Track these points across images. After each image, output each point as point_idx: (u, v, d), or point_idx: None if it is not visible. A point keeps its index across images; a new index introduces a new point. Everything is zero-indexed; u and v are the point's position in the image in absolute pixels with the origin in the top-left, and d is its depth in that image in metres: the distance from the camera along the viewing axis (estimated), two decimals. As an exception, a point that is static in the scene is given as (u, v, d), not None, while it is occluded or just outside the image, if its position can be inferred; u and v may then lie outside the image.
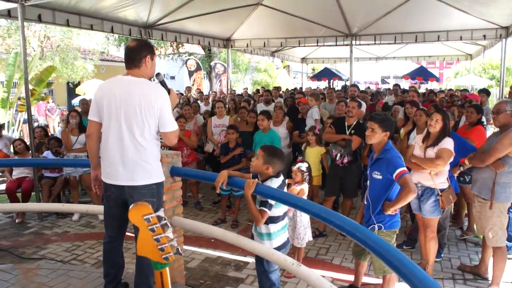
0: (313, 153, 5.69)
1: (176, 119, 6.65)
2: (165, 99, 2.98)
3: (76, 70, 19.46)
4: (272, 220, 3.10)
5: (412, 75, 20.11)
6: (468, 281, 4.31)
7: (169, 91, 3.15)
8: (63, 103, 21.61)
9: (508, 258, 4.34)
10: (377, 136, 3.50)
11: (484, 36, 9.52)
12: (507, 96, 9.41)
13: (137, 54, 2.99)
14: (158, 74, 3.19)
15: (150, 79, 3.10)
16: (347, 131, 5.46)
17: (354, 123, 5.46)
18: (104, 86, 3.07)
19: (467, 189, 5.02)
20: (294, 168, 4.46)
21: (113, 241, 3.27)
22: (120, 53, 24.15)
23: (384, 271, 3.51)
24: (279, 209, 3.10)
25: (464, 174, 5.09)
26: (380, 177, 3.49)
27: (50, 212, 6.43)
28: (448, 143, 4.11)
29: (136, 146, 2.95)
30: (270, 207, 3.02)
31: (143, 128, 2.94)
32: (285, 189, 3.28)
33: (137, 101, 2.89)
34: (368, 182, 3.66)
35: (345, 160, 5.32)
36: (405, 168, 3.38)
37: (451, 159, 4.15)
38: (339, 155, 5.32)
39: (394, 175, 3.35)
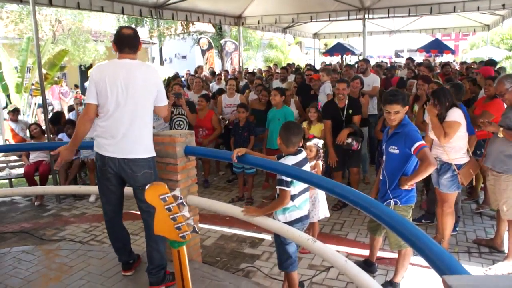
0: (316, 131, 5.59)
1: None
2: (159, 77, 3.35)
3: (88, 52, 19.47)
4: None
5: (427, 48, 19.65)
6: (483, 254, 4.30)
7: None
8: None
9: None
10: (400, 116, 3.44)
11: (503, 5, 9.21)
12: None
13: (136, 41, 3.23)
14: None
15: None
16: (342, 114, 5.39)
17: (347, 102, 5.38)
18: (104, 69, 3.19)
19: (481, 162, 4.97)
20: (310, 143, 4.42)
21: (114, 216, 3.44)
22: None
23: (400, 246, 3.49)
24: (295, 187, 3.11)
25: (480, 147, 5.03)
26: (397, 151, 3.45)
27: (67, 194, 6.55)
28: (453, 115, 4.05)
29: (139, 123, 3.17)
30: (286, 184, 3.02)
31: (146, 106, 3.19)
32: (308, 168, 3.27)
33: (141, 82, 3.13)
34: (384, 157, 3.63)
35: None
36: (423, 142, 3.34)
37: (463, 129, 4.09)
38: (360, 144, 5.30)
39: (413, 149, 3.31)
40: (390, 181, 3.49)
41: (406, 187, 3.40)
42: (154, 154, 3.32)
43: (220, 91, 8.03)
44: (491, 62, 8.70)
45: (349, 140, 5.26)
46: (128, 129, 3.13)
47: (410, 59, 11.83)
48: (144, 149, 3.21)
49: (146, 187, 1.87)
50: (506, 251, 4.12)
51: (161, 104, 3.32)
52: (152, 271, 3.29)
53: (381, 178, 3.65)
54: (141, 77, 3.14)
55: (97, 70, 3.23)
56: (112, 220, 3.46)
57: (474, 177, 5.03)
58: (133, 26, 22.20)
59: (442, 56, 21.78)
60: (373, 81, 7.52)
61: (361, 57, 13.88)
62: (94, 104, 3.17)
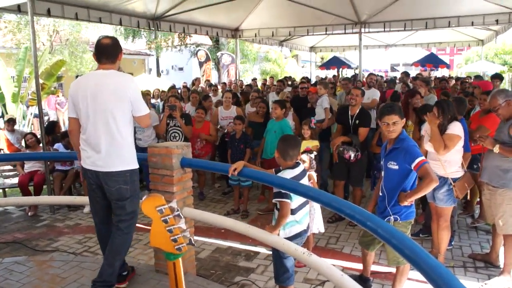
0: (306, 146, 5.61)
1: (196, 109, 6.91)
2: (135, 86, 3.24)
3: (85, 63, 19.50)
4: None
5: (422, 62, 19.82)
6: (479, 269, 4.29)
7: None
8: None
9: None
10: (399, 127, 3.42)
11: (497, 20, 9.34)
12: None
13: (115, 51, 3.21)
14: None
15: None
16: (350, 121, 5.45)
17: (357, 112, 5.43)
18: (77, 83, 3.25)
19: (477, 177, 4.98)
20: (304, 155, 4.43)
21: (102, 227, 3.42)
22: (127, 45, 24.20)
23: (398, 262, 3.46)
24: (294, 201, 3.10)
25: (476, 162, 5.05)
26: (396, 167, 3.41)
27: (61, 205, 6.50)
28: (453, 128, 4.08)
29: (113, 133, 3.10)
30: (286, 196, 3.00)
31: (119, 116, 3.10)
32: (306, 181, 3.27)
33: (112, 90, 3.07)
34: (383, 172, 3.59)
35: (359, 156, 5.29)
36: (424, 158, 3.31)
37: (461, 143, 4.12)
38: (353, 155, 5.28)
39: (413, 165, 3.26)
40: (389, 197, 3.45)
41: (405, 203, 3.36)
42: (134, 167, 3.23)
43: (206, 97, 7.94)
44: (498, 76, 8.60)
45: (341, 148, 5.29)
46: (101, 141, 3.09)
47: (404, 73, 11.91)
48: (120, 162, 3.13)
49: (143, 198, 1.86)
50: (501, 266, 4.12)
51: (139, 114, 3.22)
52: (97, 284, 3.17)
53: (380, 194, 3.60)
54: (112, 86, 3.08)
55: (73, 83, 3.27)
56: (101, 231, 3.43)
57: (469, 191, 5.06)
58: (130, 37, 22.51)
59: (437, 70, 21.97)
60: (373, 94, 7.68)
61: (357, 71, 13.98)
62: (73, 118, 3.26)
